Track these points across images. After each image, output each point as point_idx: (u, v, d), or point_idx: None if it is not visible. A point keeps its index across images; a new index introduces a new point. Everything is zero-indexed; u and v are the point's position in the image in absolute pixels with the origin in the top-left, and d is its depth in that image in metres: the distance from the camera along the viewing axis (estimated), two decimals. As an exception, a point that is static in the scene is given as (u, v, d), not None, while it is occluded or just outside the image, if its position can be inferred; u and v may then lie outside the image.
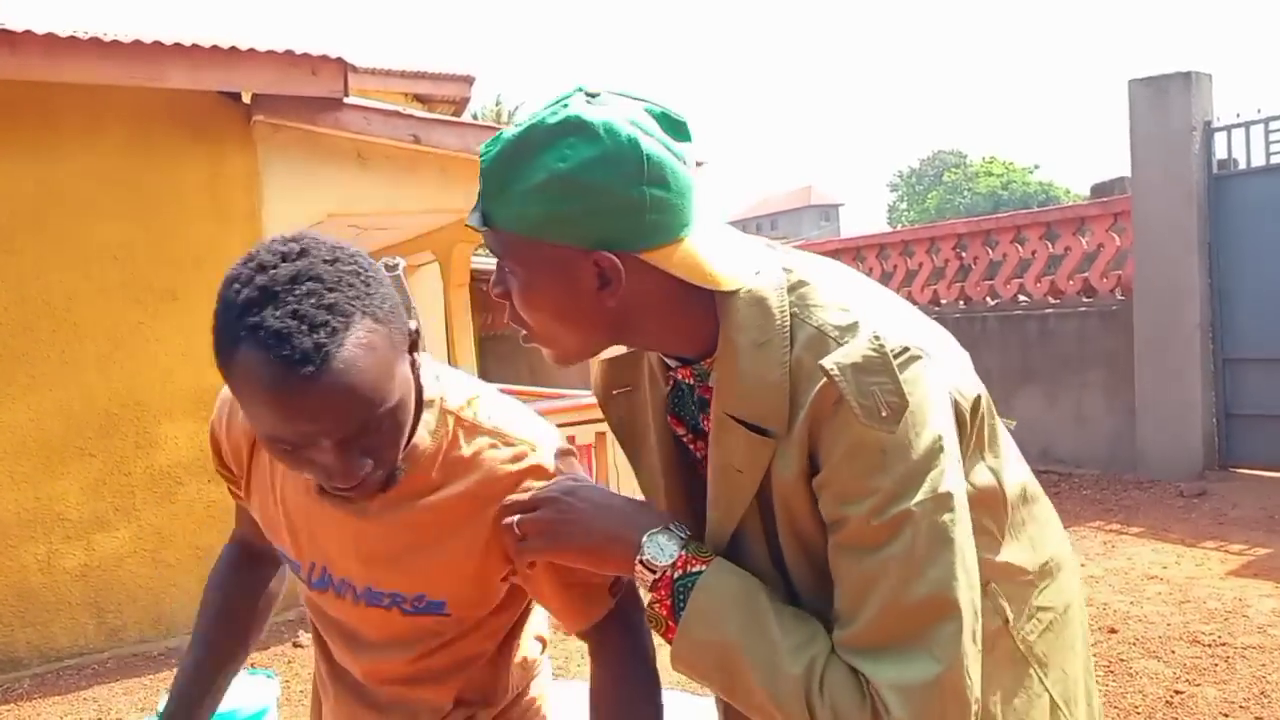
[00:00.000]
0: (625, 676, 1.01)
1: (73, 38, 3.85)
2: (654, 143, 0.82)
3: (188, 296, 4.45)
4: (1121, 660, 3.32)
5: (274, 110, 4.49)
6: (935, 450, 0.80)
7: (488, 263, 8.90)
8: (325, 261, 0.80)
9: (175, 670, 1.17)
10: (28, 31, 3.78)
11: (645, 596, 0.90)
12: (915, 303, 7.52)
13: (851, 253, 8.09)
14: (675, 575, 0.86)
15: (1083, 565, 4.41)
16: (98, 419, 4.26)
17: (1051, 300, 6.58)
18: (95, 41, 3.92)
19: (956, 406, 0.86)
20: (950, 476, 0.81)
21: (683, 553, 0.87)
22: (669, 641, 0.88)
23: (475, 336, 9.33)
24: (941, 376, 0.84)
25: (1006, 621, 0.92)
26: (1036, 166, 43.52)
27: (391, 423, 0.84)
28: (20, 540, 4.12)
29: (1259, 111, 5.66)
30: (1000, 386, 6.84)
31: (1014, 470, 0.97)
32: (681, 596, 0.85)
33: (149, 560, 4.36)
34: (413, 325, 0.89)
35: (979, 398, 0.90)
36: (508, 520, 0.93)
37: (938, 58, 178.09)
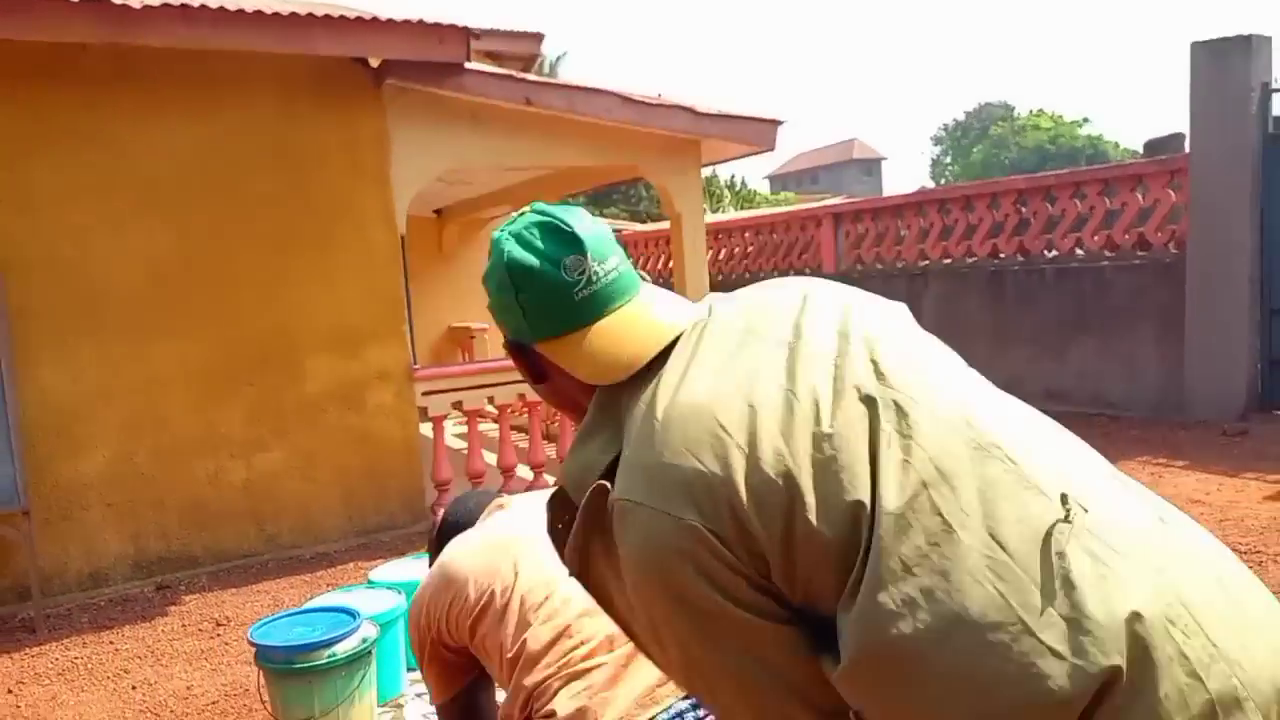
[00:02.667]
0: None
1: (240, 10, 4.34)
2: (525, 252, 0.98)
3: (329, 245, 4.99)
4: (1168, 568, 3.80)
5: (404, 75, 4.96)
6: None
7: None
8: None
9: None
10: (203, 6, 4.27)
11: None
12: (974, 255, 7.88)
13: (914, 208, 8.44)
14: None
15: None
16: (255, 354, 4.85)
17: (1107, 254, 6.92)
18: (258, 14, 4.41)
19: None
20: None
21: None
22: None
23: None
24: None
25: None
26: (1086, 120, 42.62)
27: None
28: (193, 457, 4.73)
29: (1318, 74, 5.93)
30: (1056, 336, 7.23)
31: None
32: None
33: (299, 477, 4.97)
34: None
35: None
36: None
37: (984, 7, 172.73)
